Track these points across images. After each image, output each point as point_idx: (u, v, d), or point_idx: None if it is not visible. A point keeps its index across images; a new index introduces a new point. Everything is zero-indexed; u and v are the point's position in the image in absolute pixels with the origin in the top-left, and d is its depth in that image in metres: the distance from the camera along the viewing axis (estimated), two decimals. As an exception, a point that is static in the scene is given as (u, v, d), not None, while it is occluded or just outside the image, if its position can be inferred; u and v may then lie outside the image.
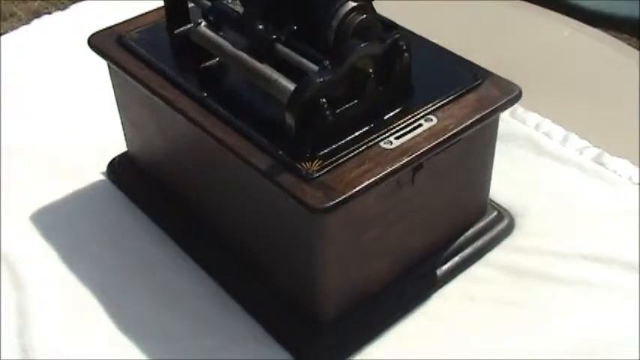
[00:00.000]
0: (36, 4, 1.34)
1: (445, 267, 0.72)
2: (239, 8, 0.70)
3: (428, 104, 0.65)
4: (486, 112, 0.65)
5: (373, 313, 0.68)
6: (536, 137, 0.85)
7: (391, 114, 0.64)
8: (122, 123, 0.81)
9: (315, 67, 0.61)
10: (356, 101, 0.63)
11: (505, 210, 0.77)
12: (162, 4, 0.75)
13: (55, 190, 0.82)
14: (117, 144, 0.84)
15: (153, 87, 0.69)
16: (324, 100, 0.60)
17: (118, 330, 0.70)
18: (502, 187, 0.77)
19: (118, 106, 0.80)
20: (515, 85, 0.67)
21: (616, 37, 0.99)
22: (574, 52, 0.99)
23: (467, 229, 0.74)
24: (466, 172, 0.70)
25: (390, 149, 0.61)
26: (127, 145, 0.83)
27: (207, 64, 0.70)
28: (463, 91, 0.66)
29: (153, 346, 0.68)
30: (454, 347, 0.67)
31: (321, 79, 0.59)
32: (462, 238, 0.73)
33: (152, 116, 0.74)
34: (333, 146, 0.61)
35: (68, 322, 0.70)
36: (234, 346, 0.68)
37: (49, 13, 1.15)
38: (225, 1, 0.71)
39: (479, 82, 0.67)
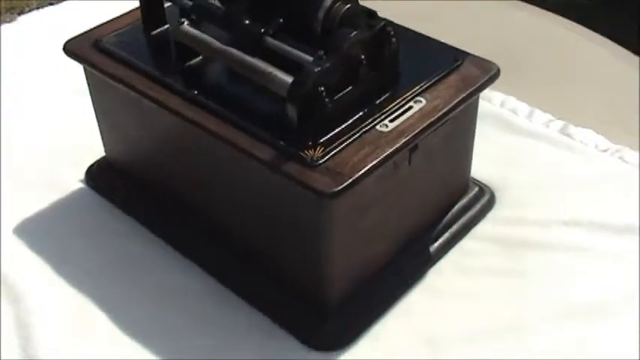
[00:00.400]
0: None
1: (437, 243, 0.74)
2: (218, 5, 0.70)
3: (415, 87, 0.67)
4: (471, 90, 0.68)
5: (375, 294, 0.70)
6: (504, 114, 0.89)
7: (382, 98, 0.66)
8: (100, 128, 0.81)
9: (308, 58, 0.63)
10: (350, 88, 0.65)
11: (485, 185, 0.80)
12: (137, 4, 0.75)
13: (35, 201, 0.81)
14: (94, 150, 0.83)
15: (140, 89, 0.69)
16: (322, 88, 0.62)
17: (119, 330, 0.70)
18: (479, 164, 0.80)
19: (95, 111, 0.79)
20: (493, 63, 0.70)
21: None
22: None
23: (453, 206, 0.77)
24: (452, 151, 0.73)
25: (387, 132, 0.63)
26: (106, 150, 0.82)
27: (192, 62, 0.71)
28: (446, 72, 0.69)
29: (157, 346, 0.68)
30: (456, 318, 0.69)
31: (319, 69, 0.61)
32: (449, 215, 0.76)
33: (137, 118, 0.74)
34: (333, 133, 0.63)
35: (68, 326, 0.70)
36: (240, 341, 0.68)
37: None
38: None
39: (459, 62, 0.70)
